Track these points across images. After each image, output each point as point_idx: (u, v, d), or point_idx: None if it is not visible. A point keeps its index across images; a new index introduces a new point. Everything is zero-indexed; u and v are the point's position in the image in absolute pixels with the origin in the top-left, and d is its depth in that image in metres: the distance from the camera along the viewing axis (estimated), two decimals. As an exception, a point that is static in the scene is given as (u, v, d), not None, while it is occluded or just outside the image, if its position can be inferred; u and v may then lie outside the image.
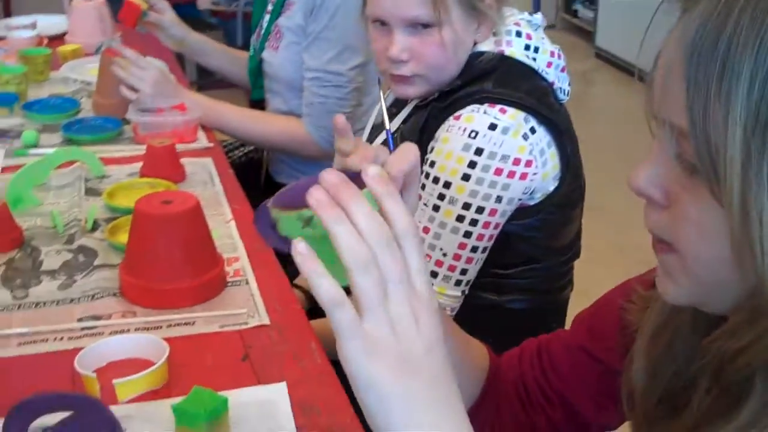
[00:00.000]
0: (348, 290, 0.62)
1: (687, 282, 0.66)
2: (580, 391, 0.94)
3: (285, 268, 1.32)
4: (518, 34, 1.39)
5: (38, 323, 1.16)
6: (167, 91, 1.88)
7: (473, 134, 1.29)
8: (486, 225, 1.30)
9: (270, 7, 2.11)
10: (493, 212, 1.30)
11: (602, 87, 5.41)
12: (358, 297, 0.62)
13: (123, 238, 1.30)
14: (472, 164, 1.28)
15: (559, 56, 1.43)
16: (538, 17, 1.45)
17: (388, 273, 0.62)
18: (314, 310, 1.11)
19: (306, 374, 1.06)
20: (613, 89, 5.30)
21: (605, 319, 0.91)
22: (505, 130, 1.29)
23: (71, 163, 1.63)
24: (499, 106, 1.30)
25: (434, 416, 0.62)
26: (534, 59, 1.38)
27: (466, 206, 1.29)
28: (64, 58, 2.32)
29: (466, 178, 1.28)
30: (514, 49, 1.38)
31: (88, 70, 2.21)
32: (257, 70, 2.14)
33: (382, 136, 1.47)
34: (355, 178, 0.65)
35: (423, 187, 1.33)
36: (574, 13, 6.24)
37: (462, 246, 1.31)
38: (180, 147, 1.69)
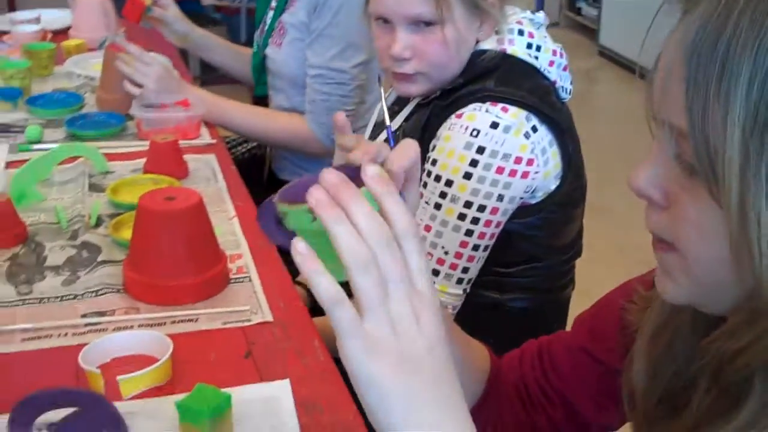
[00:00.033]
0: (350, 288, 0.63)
1: (686, 281, 0.67)
2: (580, 391, 0.94)
3: (288, 265, 1.32)
4: (520, 32, 1.39)
5: (42, 319, 1.16)
6: (171, 86, 1.88)
7: (475, 133, 1.29)
8: (487, 223, 1.31)
9: (274, 4, 2.11)
10: (494, 211, 1.30)
11: (605, 85, 5.40)
12: (359, 297, 0.62)
13: (126, 234, 1.30)
14: (473, 163, 1.29)
15: (561, 55, 1.43)
16: (541, 16, 1.45)
17: (388, 273, 0.62)
18: (317, 307, 1.11)
19: (309, 371, 1.07)
20: (617, 87, 5.29)
21: (606, 319, 0.91)
22: (506, 129, 1.29)
23: (75, 158, 1.64)
24: (501, 105, 1.31)
25: (436, 415, 0.62)
26: (536, 58, 1.39)
27: (468, 205, 1.29)
28: (68, 52, 2.31)
29: (467, 176, 1.29)
30: (517, 48, 1.38)
31: (92, 65, 2.20)
32: (260, 67, 2.14)
33: (384, 134, 1.47)
34: (356, 177, 0.65)
35: (425, 185, 1.33)
36: (578, 11, 6.22)
37: (464, 244, 1.31)
38: (183, 143, 1.69)
